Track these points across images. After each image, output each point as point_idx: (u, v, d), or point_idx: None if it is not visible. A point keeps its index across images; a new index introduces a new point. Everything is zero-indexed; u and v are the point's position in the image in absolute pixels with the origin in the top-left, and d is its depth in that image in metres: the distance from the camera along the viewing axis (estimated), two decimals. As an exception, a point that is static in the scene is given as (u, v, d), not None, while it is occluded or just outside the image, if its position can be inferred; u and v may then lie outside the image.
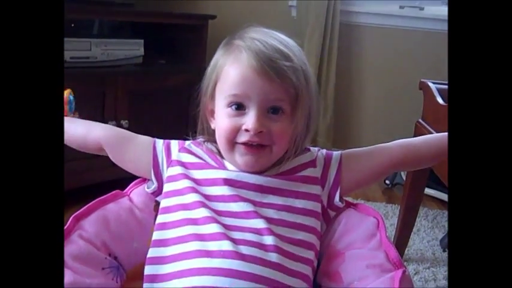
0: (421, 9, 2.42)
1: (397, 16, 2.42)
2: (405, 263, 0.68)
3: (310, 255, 0.74)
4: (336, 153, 0.83)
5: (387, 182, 2.36)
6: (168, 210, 0.77)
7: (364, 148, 0.86)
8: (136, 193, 0.84)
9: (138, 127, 1.97)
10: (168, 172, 0.81)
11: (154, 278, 0.71)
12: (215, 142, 0.82)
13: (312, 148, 0.84)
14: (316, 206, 0.78)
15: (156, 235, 0.75)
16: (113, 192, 0.83)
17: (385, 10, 2.42)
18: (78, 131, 0.89)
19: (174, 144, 0.84)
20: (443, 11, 2.39)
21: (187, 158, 0.81)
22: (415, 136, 1.47)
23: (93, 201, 0.78)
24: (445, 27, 2.32)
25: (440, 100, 1.32)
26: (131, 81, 1.92)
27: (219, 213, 0.74)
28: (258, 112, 0.74)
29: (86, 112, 1.85)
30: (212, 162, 0.81)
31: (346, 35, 2.44)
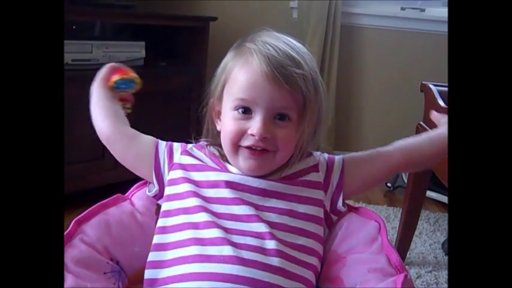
0: (422, 10, 2.42)
1: (398, 18, 2.42)
2: (407, 267, 0.68)
3: (312, 260, 0.74)
4: (338, 158, 0.83)
5: (388, 184, 2.36)
6: (169, 214, 0.77)
7: (365, 152, 0.85)
8: (138, 197, 0.84)
9: (139, 129, 1.97)
10: (169, 175, 0.80)
11: (154, 282, 0.70)
12: (218, 145, 0.82)
13: (314, 152, 0.84)
14: (318, 211, 0.78)
15: (156, 239, 0.75)
16: (114, 196, 0.82)
17: (386, 12, 2.42)
18: (100, 117, 0.90)
19: (177, 147, 0.84)
20: (444, 12, 2.39)
21: (188, 160, 0.81)
22: (416, 139, 1.47)
23: (95, 206, 0.78)
24: (446, 28, 2.31)
25: (441, 102, 1.32)
26: (132, 84, 1.92)
27: (220, 216, 0.73)
28: (264, 117, 0.74)
29: (87, 115, 1.85)
30: (214, 165, 0.80)
31: (348, 37, 2.44)
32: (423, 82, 1.45)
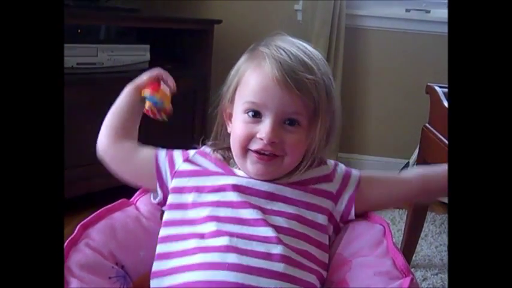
0: (427, 12, 2.41)
1: (403, 19, 2.41)
2: (413, 269, 0.68)
3: (315, 266, 0.74)
4: (354, 173, 0.82)
5: (394, 186, 2.35)
6: (173, 223, 0.76)
7: (384, 174, 0.85)
8: (143, 202, 0.84)
9: (143, 132, 1.98)
10: (172, 183, 0.80)
11: None
12: (225, 148, 0.82)
13: (329, 161, 0.83)
14: (324, 220, 0.77)
15: (160, 248, 0.75)
16: (120, 200, 0.82)
17: (391, 13, 2.41)
18: (106, 129, 0.88)
19: (178, 154, 0.83)
20: (449, 14, 2.38)
21: (191, 167, 0.80)
22: (421, 141, 1.47)
23: (100, 210, 0.78)
24: (451, 30, 2.30)
25: (447, 104, 1.31)
26: (137, 87, 1.93)
27: (227, 220, 0.73)
28: (274, 122, 0.73)
29: (92, 118, 1.86)
30: (219, 170, 0.80)
31: (352, 39, 2.43)
32: (428, 84, 1.45)
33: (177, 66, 2.16)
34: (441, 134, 1.32)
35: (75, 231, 0.72)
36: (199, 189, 0.77)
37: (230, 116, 0.81)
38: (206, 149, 0.84)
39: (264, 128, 0.74)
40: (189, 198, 0.77)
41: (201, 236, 0.72)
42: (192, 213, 0.76)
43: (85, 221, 0.75)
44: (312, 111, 0.75)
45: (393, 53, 2.46)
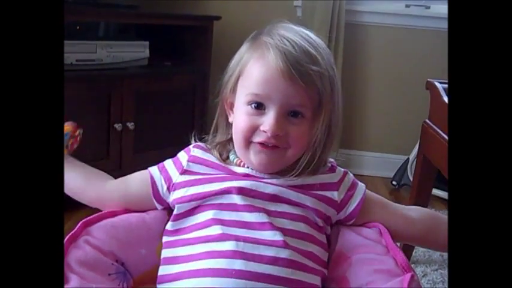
0: (427, 7, 2.41)
1: (402, 15, 2.40)
2: (413, 265, 0.67)
3: (319, 267, 0.74)
4: (360, 187, 0.81)
5: (394, 182, 2.35)
6: (177, 231, 0.75)
7: (388, 202, 0.84)
8: None
9: (143, 129, 1.99)
10: (171, 196, 0.78)
11: None
12: (224, 143, 0.81)
13: (338, 169, 0.81)
14: (322, 222, 0.77)
15: (166, 253, 0.74)
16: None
17: (391, 9, 2.41)
18: (77, 182, 0.84)
19: (172, 168, 0.80)
20: (449, 9, 2.38)
21: (189, 178, 0.78)
22: (421, 137, 1.47)
23: (104, 212, 0.77)
24: (451, 26, 2.30)
25: (447, 100, 1.31)
26: (137, 83, 1.93)
27: (232, 224, 0.72)
28: (278, 114, 0.72)
29: (92, 115, 1.86)
30: (220, 174, 0.78)
31: (352, 35, 2.43)
32: (429, 80, 1.44)
33: (176, 63, 2.16)
34: (441, 130, 1.32)
35: (76, 228, 0.72)
36: (200, 196, 0.75)
37: (231, 106, 0.80)
38: (200, 152, 0.81)
39: (267, 121, 0.72)
40: (192, 205, 0.75)
41: (206, 239, 0.71)
42: (195, 219, 0.74)
43: (87, 218, 0.74)
44: (316, 103, 0.74)
45: (393, 49, 2.45)
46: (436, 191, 2.08)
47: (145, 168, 0.84)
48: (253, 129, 0.74)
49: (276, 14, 2.38)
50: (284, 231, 0.71)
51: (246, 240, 0.69)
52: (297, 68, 0.70)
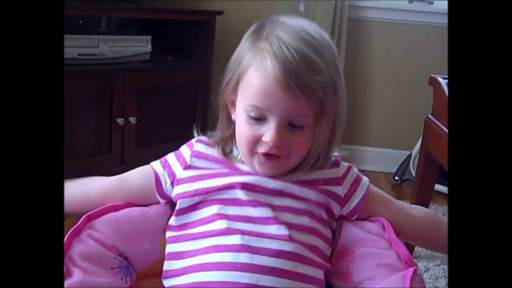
0: (430, 3, 2.40)
1: (405, 10, 2.39)
2: (415, 260, 0.68)
3: (323, 260, 0.74)
4: (364, 181, 0.81)
5: (396, 178, 2.35)
6: (181, 226, 0.75)
7: (392, 199, 0.84)
8: None
9: (146, 124, 1.99)
10: (174, 191, 0.78)
11: None
12: (227, 138, 0.80)
13: (342, 164, 0.81)
14: (325, 215, 0.77)
15: (170, 247, 0.74)
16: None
17: (394, 4, 2.40)
18: (75, 192, 0.83)
19: (175, 163, 0.80)
20: (452, 5, 2.37)
21: (193, 173, 0.78)
22: (424, 132, 1.47)
23: (107, 205, 0.77)
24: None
25: (450, 95, 1.30)
26: (139, 78, 1.93)
27: (236, 218, 0.71)
28: (278, 125, 0.71)
29: (94, 109, 1.86)
30: (224, 169, 0.78)
31: (355, 30, 2.42)
32: (432, 75, 1.44)
33: (178, 58, 2.16)
34: (444, 126, 1.32)
35: (79, 222, 0.72)
36: (204, 191, 0.75)
37: (234, 104, 0.78)
38: (203, 146, 0.81)
39: (268, 132, 0.71)
40: (195, 200, 0.75)
41: (212, 234, 0.71)
42: (200, 214, 0.74)
43: (90, 212, 0.74)
44: (318, 110, 0.72)
45: (396, 45, 2.45)
46: (438, 187, 2.08)
47: (147, 162, 0.83)
48: (256, 140, 0.73)
49: (278, 8, 2.38)
50: (289, 225, 0.71)
51: (251, 234, 0.69)
52: (297, 79, 0.67)
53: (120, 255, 0.72)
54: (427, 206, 1.56)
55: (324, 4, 2.29)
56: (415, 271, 0.66)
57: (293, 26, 0.72)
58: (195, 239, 0.72)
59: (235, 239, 0.69)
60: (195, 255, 0.70)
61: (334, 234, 0.78)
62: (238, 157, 0.79)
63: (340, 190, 0.78)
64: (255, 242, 0.69)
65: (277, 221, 0.71)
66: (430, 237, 0.83)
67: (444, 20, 2.34)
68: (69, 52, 1.71)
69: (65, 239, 0.68)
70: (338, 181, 0.78)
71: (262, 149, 0.73)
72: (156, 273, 0.74)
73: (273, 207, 0.73)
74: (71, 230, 0.69)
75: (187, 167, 0.79)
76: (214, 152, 0.80)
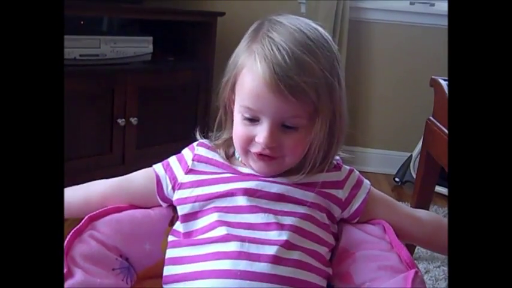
0: (432, 5, 2.40)
1: (407, 12, 2.40)
2: (415, 262, 0.68)
3: (324, 266, 0.73)
4: (365, 184, 0.81)
5: (397, 179, 2.35)
6: (185, 235, 0.75)
7: (395, 202, 0.84)
8: None
9: (147, 124, 1.99)
10: (175, 195, 0.78)
11: None
12: (229, 140, 0.80)
13: (344, 167, 0.81)
14: (326, 219, 0.76)
15: (170, 253, 0.74)
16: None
17: (395, 6, 2.40)
18: (76, 197, 0.82)
19: (177, 167, 0.80)
20: (454, 6, 2.37)
21: (194, 178, 0.78)
22: (425, 134, 1.47)
23: (110, 207, 0.77)
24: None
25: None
26: (140, 79, 1.93)
27: (236, 225, 0.71)
28: (270, 127, 0.71)
29: (95, 110, 1.86)
30: (226, 174, 0.77)
31: (356, 32, 2.42)
32: (433, 77, 1.44)
33: (179, 58, 2.16)
34: (445, 127, 1.32)
35: (82, 222, 0.72)
36: (205, 197, 0.75)
37: (233, 102, 0.78)
38: (204, 150, 0.81)
39: (261, 133, 0.71)
40: (196, 206, 0.75)
41: (212, 240, 0.70)
42: (201, 220, 0.74)
43: (93, 213, 0.74)
44: (311, 111, 0.71)
45: (397, 46, 2.45)
46: (439, 188, 2.08)
47: (148, 163, 0.83)
48: (249, 140, 0.74)
49: (280, 9, 2.38)
50: (290, 230, 0.71)
51: (251, 240, 0.69)
52: (286, 81, 0.67)
53: (121, 256, 0.72)
54: (427, 208, 1.56)
55: (325, 5, 2.30)
56: (416, 273, 0.66)
57: (289, 27, 0.72)
58: (195, 245, 0.72)
59: (234, 246, 0.68)
60: (195, 262, 0.70)
61: (336, 238, 0.78)
62: (240, 159, 0.79)
63: (341, 194, 0.78)
64: (254, 249, 0.68)
65: (278, 226, 0.71)
66: (433, 240, 0.83)
67: (445, 22, 2.33)
68: (70, 52, 1.72)
69: (67, 239, 0.68)
70: (339, 185, 0.78)
71: (255, 149, 0.73)
72: (156, 275, 0.75)
73: (275, 212, 0.73)
74: (73, 231, 0.70)
75: (189, 171, 0.79)
76: (216, 155, 0.80)
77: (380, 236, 0.76)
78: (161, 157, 0.84)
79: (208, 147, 0.81)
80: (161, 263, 0.75)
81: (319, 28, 0.76)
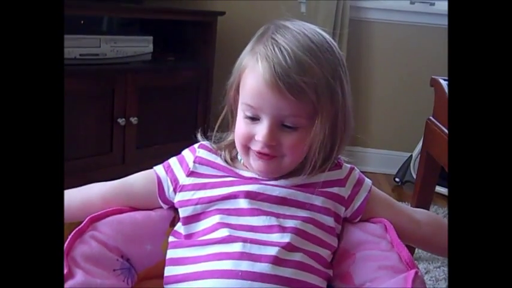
0: (432, 4, 2.40)
1: (407, 12, 2.40)
2: (415, 262, 0.68)
3: (325, 268, 0.73)
4: (367, 183, 0.81)
5: (397, 179, 2.35)
6: (187, 236, 0.75)
7: (394, 201, 0.84)
8: None
9: (147, 124, 1.99)
10: (176, 197, 0.78)
11: None
12: (232, 142, 0.80)
13: (344, 165, 0.81)
14: (332, 222, 0.76)
15: (171, 253, 0.74)
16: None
17: (396, 6, 2.40)
18: (76, 200, 0.81)
19: (178, 169, 0.80)
20: (454, 6, 2.37)
21: (196, 181, 0.78)
22: (425, 134, 1.46)
23: (112, 208, 0.77)
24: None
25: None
26: (140, 78, 1.93)
27: (238, 227, 0.71)
28: (271, 125, 0.72)
29: (95, 109, 1.86)
30: (228, 178, 0.77)
31: (356, 31, 2.42)
32: (433, 77, 1.44)
33: (179, 58, 2.16)
34: (445, 127, 1.32)
35: (83, 223, 0.72)
36: (207, 200, 0.75)
37: (238, 103, 0.78)
38: (205, 153, 0.81)
39: (261, 132, 0.72)
40: (197, 209, 0.75)
41: (214, 241, 0.70)
42: (202, 223, 0.74)
43: (94, 214, 0.74)
44: (311, 111, 0.72)
45: (397, 46, 2.45)
46: (439, 188, 2.08)
47: (149, 163, 0.83)
48: (250, 138, 0.74)
49: (280, 9, 2.38)
50: (292, 233, 0.71)
51: (253, 242, 0.69)
52: (286, 80, 0.68)
53: (122, 256, 0.72)
54: (427, 208, 1.56)
55: (325, 5, 2.29)
56: (416, 273, 0.66)
57: (293, 31, 0.73)
58: (196, 246, 0.72)
59: (236, 247, 0.68)
60: (196, 262, 0.70)
61: (338, 239, 0.78)
62: (242, 161, 0.79)
63: (344, 191, 0.78)
64: (256, 250, 0.68)
65: (280, 229, 0.71)
66: (433, 241, 0.83)
67: (445, 21, 2.33)
68: (70, 52, 1.72)
69: (68, 240, 0.68)
70: (341, 182, 0.78)
71: (255, 147, 0.74)
72: (157, 275, 0.75)
73: (277, 215, 0.73)
74: (74, 231, 0.70)
75: (190, 173, 0.79)
76: (217, 158, 0.80)
77: (381, 235, 0.76)
78: (161, 157, 0.83)
79: (210, 150, 0.81)
80: (162, 264, 0.75)
81: (324, 34, 0.77)
